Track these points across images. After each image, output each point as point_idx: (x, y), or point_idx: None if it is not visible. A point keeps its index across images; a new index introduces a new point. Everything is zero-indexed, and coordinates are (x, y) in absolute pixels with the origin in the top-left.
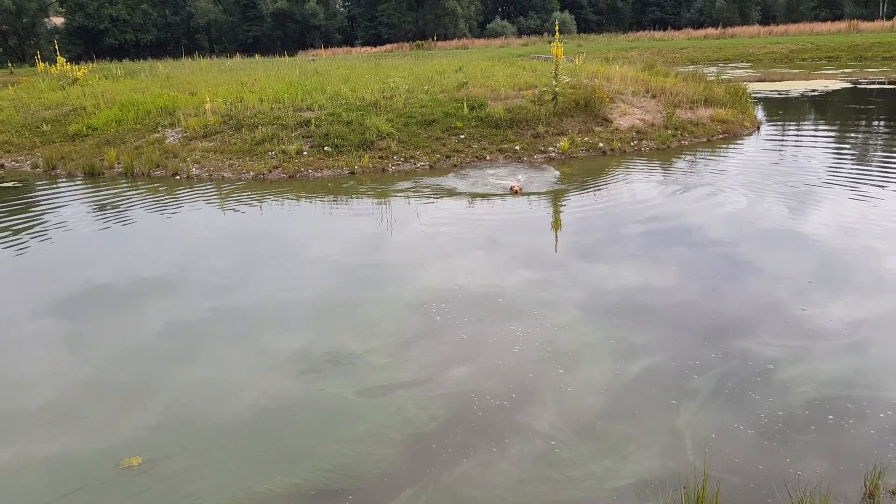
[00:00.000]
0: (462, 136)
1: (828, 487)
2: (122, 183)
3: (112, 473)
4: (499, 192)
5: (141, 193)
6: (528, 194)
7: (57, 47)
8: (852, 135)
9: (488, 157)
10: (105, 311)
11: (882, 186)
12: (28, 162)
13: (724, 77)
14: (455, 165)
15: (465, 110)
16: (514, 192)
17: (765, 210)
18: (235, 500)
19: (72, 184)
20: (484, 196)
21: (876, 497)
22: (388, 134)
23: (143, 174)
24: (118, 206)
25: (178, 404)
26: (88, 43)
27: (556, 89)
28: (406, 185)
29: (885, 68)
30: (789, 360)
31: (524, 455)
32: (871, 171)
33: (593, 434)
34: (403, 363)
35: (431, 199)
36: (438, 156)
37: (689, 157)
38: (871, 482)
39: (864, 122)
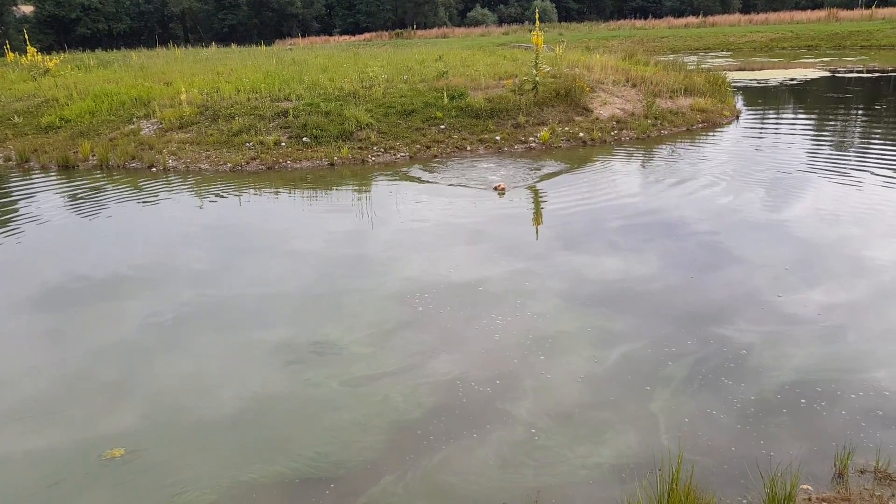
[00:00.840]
0: (442, 127)
1: (799, 467)
2: (98, 175)
3: (94, 465)
4: (482, 188)
5: (117, 186)
6: (514, 188)
7: (27, 37)
8: (830, 123)
9: (469, 148)
10: (84, 305)
11: (859, 173)
12: (0, 155)
13: (704, 66)
14: (435, 156)
15: (446, 100)
16: (498, 191)
17: (744, 198)
18: (219, 490)
19: (46, 177)
20: (466, 189)
21: (845, 476)
22: (367, 124)
23: (118, 166)
24: (94, 200)
25: (160, 397)
26: (59, 32)
27: (537, 79)
28: (387, 176)
29: (862, 57)
30: (763, 346)
31: (506, 441)
32: (849, 158)
33: (572, 420)
34: (388, 353)
35: (413, 192)
36: (418, 146)
37: (669, 147)
38: (842, 462)
39: (842, 111)
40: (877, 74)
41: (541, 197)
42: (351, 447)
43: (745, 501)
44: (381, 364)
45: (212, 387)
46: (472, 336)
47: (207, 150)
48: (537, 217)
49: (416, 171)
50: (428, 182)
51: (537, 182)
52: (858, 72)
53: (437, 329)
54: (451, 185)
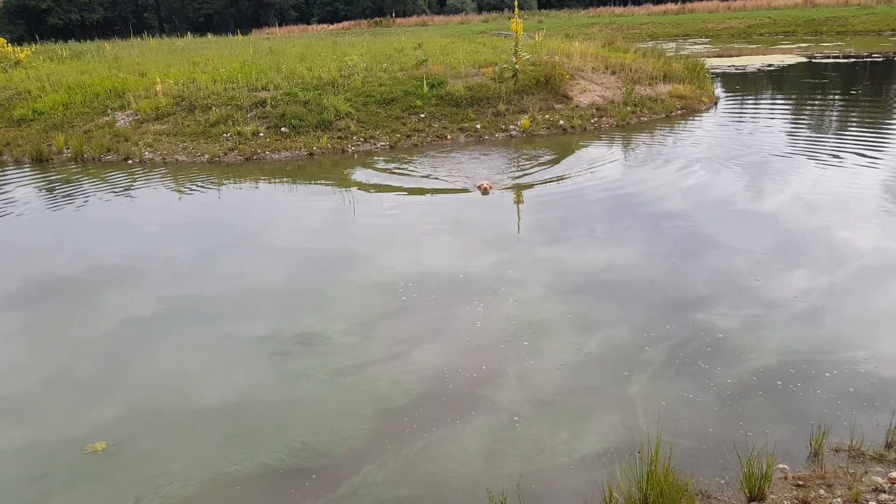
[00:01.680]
0: (422, 115)
1: (775, 447)
2: (73, 168)
3: (77, 459)
4: (467, 188)
5: (93, 179)
6: (502, 189)
7: None
8: (808, 108)
9: (449, 137)
10: (63, 301)
11: (837, 157)
12: None
13: (682, 53)
14: (416, 145)
15: (425, 89)
16: (483, 190)
17: (724, 183)
18: (203, 482)
19: (19, 170)
20: (446, 185)
21: (821, 455)
22: (346, 114)
23: (93, 159)
24: (70, 193)
25: (142, 391)
26: (30, 23)
27: (517, 66)
28: (367, 166)
29: (839, 42)
30: (742, 330)
31: (489, 428)
32: (827, 142)
33: (553, 406)
34: (374, 342)
35: (394, 182)
36: (399, 135)
37: (648, 134)
38: (817, 441)
39: (819, 96)
40: (852, 60)
41: (523, 185)
42: (336, 436)
43: (722, 481)
44: (369, 353)
45: (194, 380)
46: (456, 324)
47: (184, 142)
48: (518, 203)
49: (395, 163)
50: (407, 174)
51: (521, 176)
52: (835, 57)
53: (422, 318)
54: (428, 177)
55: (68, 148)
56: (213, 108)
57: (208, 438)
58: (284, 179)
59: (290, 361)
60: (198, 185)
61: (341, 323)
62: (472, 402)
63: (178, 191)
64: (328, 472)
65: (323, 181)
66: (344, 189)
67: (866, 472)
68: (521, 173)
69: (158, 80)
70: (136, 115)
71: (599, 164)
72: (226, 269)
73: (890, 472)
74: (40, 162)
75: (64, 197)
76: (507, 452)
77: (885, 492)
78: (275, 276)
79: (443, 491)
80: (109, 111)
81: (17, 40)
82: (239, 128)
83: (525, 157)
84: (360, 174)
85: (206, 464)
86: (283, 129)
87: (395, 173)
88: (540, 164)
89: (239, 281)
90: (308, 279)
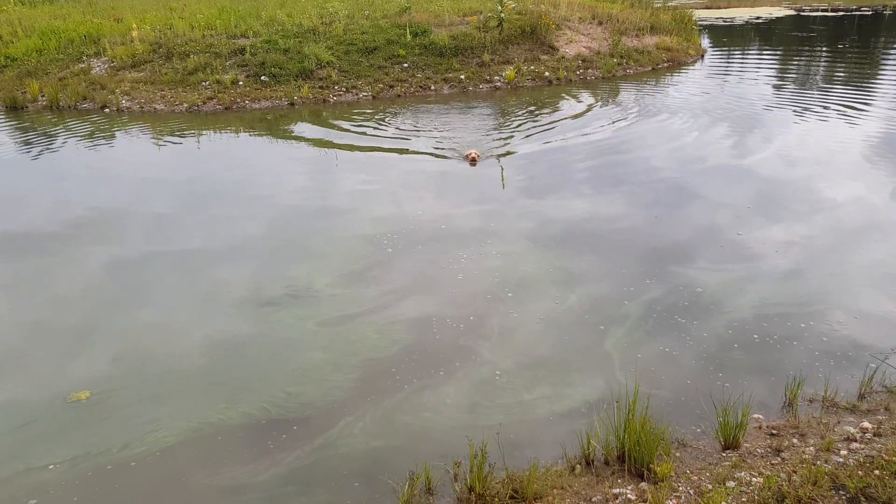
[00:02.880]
0: (405, 65)
1: (751, 398)
2: (49, 117)
3: (61, 407)
4: (454, 156)
5: (69, 128)
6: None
7: None
8: (795, 62)
9: (433, 87)
10: (43, 251)
11: (822, 112)
12: None
13: (670, 4)
14: (398, 95)
15: (409, 37)
16: (471, 160)
17: (708, 137)
18: (187, 430)
19: None
20: (434, 137)
21: (795, 405)
22: (327, 62)
23: (69, 107)
24: (46, 142)
25: (126, 341)
26: None
27: (502, 15)
28: (349, 119)
29: None
30: (721, 284)
31: (472, 380)
32: (812, 97)
33: (534, 359)
34: (362, 293)
35: (379, 135)
36: (381, 85)
37: (634, 86)
38: (792, 392)
39: (806, 49)
40: (841, 13)
41: (509, 134)
42: (322, 386)
43: (698, 430)
44: (357, 303)
45: (178, 330)
46: (443, 275)
47: (162, 90)
48: (501, 157)
49: (379, 116)
50: (391, 127)
51: (506, 138)
52: (823, 10)
53: (408, 269)
54: (411, 135)
55: (43, 96)
56: (192, 56)
57: (194, 389)
58: (265, 130)
59: (278, 312)
60: (177, 135)
61: (330, 274)
62: (455, 354)
63: (157, 140)
64: (312, 422)
65: (304, 132)
66: (326, 141)
67: (839, 423)
68: (507, 131)
69: (135, 25)
70: (112, 62)
71: (584, 117)
72: (208, 220)
73: (862, 422)
74: (15, 110)
75: (40, 146)
76: (488, 403)
77: (856, 441)
78: (259, 227)
79: (424, 441)
80: (84, 58)
81: None
82: (218, 76)
83: (510, 110)
84: (344, 124)
85: (192, 413)
86: (263, 77)
87: (378, 128)
88: (525, 118)
89: (222, 231)
90: (293, 230)
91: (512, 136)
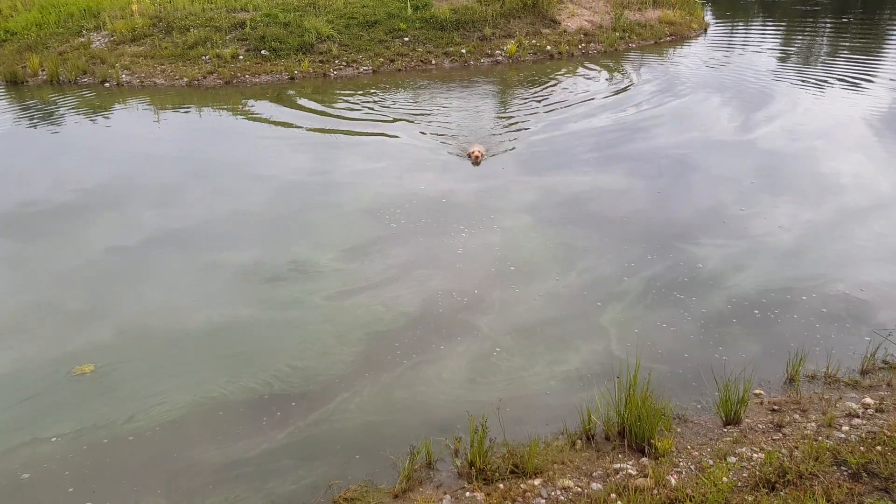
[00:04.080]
0: (406, 39)
1: (752, 374)
2: (49, 91)
3: (66, 381)
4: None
5: (70, 103)
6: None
7: None
8: (798, 36)
9: (434, 62)
10: (46, 227)
11: (825, 86)
12: None
13: None
14: (399, 70)
15: (409, 11)
16: (474, 159)
17: (711, 112)
18: (189, 405)
19: None
20: (433, 111)
21: (796, 381)
22: (328, 36)
23: (69, 82)
24: (47, 117)
25: (130, 316)
26: None
27: None
28: (350, 93)
29: None
30: (723, 259)
31: (473, 354)
32: (816, 71)
33: (534, 334)
34: (367, 267)
35: (380, 112)
36: (382, 59)
37: (637, 61)
38: (793, 368)
39: (810, 22)
40: None
41: (509, 101)
42: (325, 361)
43: (699, 406)
44: (364, 277)
45: (182, 304)
46: (445, 250)
47: (162, 64)
48: (504, 133)
49: (379, 94)
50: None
51: (510, 120)
52: None
53: (412, 243)
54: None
55: (43, 70)
56: (192, 30)
57: (197, 362)
58: (266, 105)
59: (287, 287)
60: (177, 110)
61: (335, 249)
62: (457, 329)
63: (158, 116)
64: (312, 397)
65: (305, 108)
66: (327, 115)
67: (841, 398)
68: (510, 107)
69: None
70: (112, 36)
71: (586, 91)
72: (211, 195)
73: (864, 397)
74: (15, 84)
75: (42, 122)
76: (489, 378)
77: (858, 416)
78: (262, 202)
79: (424, 415)
80: (84, 32)
81: None
82: (218, 50)
83: (512, 86)
84: (344, 102)
85: (195, 387)
86: (263, 51)
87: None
88: (529, 98)
89: (225, 206)
90: (297, 205)
91: (513, 119)
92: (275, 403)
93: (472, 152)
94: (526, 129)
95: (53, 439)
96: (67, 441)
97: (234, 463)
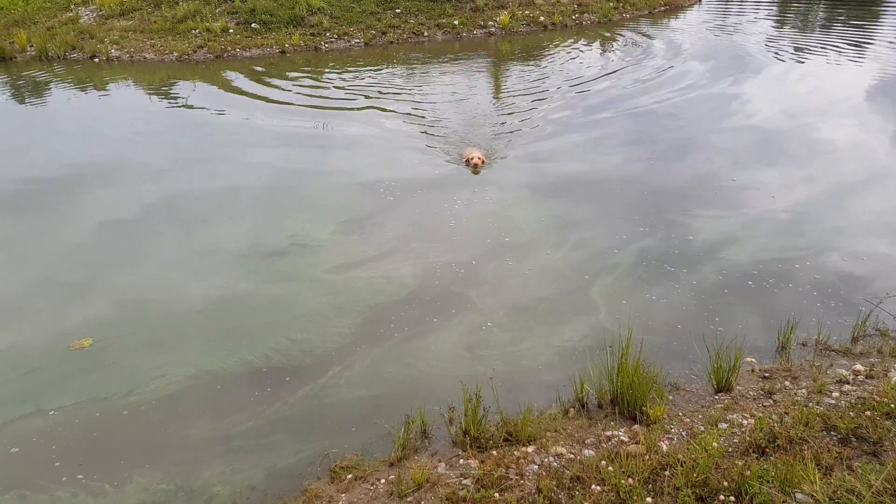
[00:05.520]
0: (398, 11)
1: (743, 342)
2: (38, 67)
3: (65, 355)
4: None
5: (59, 79)
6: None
7: None
8: (794, 5)
9: (426, 34)
10: (40, 204)
11: (820, 56)
12: None
13: None
14: (391, 42)
15: None
16: (472, 167)
17: (706, 82)
18: (188, 378)
19: None
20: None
21: (788, 349)
22: (318, 9)
23: (58, 57)
24: (37, 94)
25: (127, 290)
26: None
27: None
28: (340, 68)
29: None
30: (716, 229)
31: (470, 326)
32: (812, 41)
33: (528, 305)
34: (365, 240)
35: (373, 88)
36: (374, 32)
37: (631, 31)
38: (784, 336)
39: None
40: None
41: (504, 75)
42: (323, 334)
43: (692, 374)
44: (363, 251)
45: (183, 281)
46: (442, 222)
47: (152, 39)
48: (497, 102)
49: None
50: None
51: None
52: None
53: (409, 216)
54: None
55: (31, 46)
56: (181, 3)
57: (197, 336)
58: (257, 79)
59: (287, 261)
60: (168, 85)
61: (332, 223)
62: (453, 301)
63: (148, 91)
64: (308, 370)
65: (296, 81)
66: (320, 89)
67: (832, 365)
68: (501, 79)
69: None
70: (101, 10)
71: (581, 62)
72: (204, 171)
73: (855, 364)
74: (3, 60)
75: (32, 98)
76: (483, 350)
77: (848, 383)
78: (257, 178)
79: (419, 387)
80: (73, 6)
81: None
82: (208, 24)
83: (505, 60)
84: (336, 74)
85: (193, 361)
86: (253, 25)
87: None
88: (520, 69)
89: (220, 182)
90: (292, 180)
91: (505, 84)
92: (273, 377)
93: (471, 159)
94: (516, 96)
95: (51, 412)
96: (64, 414)
97: (232, 435)
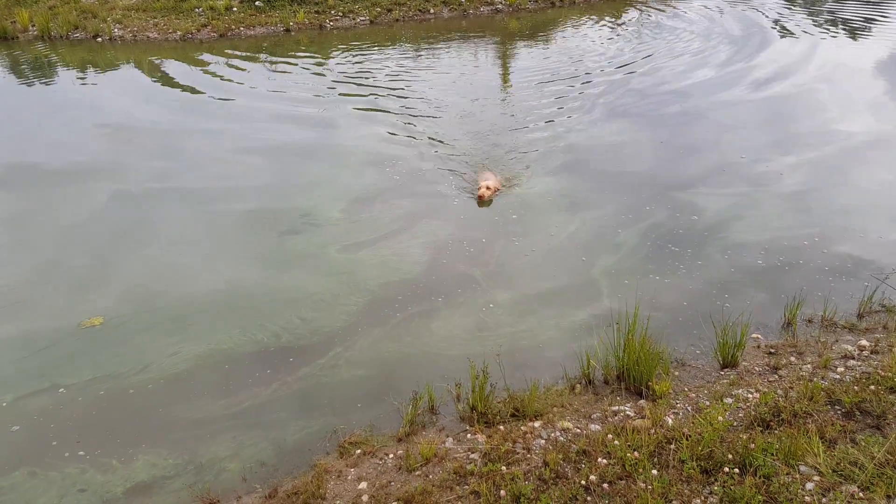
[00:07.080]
0: None
1: (750, 318)
2: (40, 47)
3: (76, 333)
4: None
5: (62, 59)
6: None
7: None
8: None
9: (432, 11)
10: (47, 190)
11: (832, 29)
12: None
13: None
14: (397, 20)
15: None
16: (478, 198)
17: (714, 59)
18: (198, 356)
19: None
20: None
21: (794, 325)
22: None
23: (61, 37)
24: (40, 74)
25: (138, 271)
26: None
27: None
28: (347, 48)
29: None
30: (723, 206)
31: (479, 304)
32: (819, 19)
33: (536, 283)
34: (375, 219)
35: (377, 67)
36: (379, 9)
37: (640, 8)
38: (791, 312)
39: None
40: None
41: (512, 55)
42: (334, 312)
43: (698, 351)
44: (374, 229)
45: (195, 261)
46: (450, 200)
47: (155, 18)
48: (505, 82)
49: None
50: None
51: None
52: None
53: (415, 195)
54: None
55: (34, 25)
56: None
57: (207, 316)
58: (262, 59)
59: (301, 240)
60: (172, 65)
61: (342, 202)
62: (461, 280)
63: (152, 71)
64: (317, 348)
65: (303, 60)
66: (326, 68)
67: (837, 341)
68: (507, 56)
69: None
70: None
71: (589, 40)
72: (212, 153)
73: (860, 340)
74: (5, 40)
75: (35, 79)
76: (491, 327)
77: (853, 358)
78: (266, 158)
79: (427, 364)
80: None
81: None
82: (211, 2)
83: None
84: (341, 52)
85: (204, 339)
86: (257, 3)
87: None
88: (525, 46)
89: (231, 164)
90: (300, 159)
91: (512, 63)
92: (281, 355)
93: (482, 187)
94: (524, 74)
95: (61, 390)
96: (75, 391)
97: (241, 412)
